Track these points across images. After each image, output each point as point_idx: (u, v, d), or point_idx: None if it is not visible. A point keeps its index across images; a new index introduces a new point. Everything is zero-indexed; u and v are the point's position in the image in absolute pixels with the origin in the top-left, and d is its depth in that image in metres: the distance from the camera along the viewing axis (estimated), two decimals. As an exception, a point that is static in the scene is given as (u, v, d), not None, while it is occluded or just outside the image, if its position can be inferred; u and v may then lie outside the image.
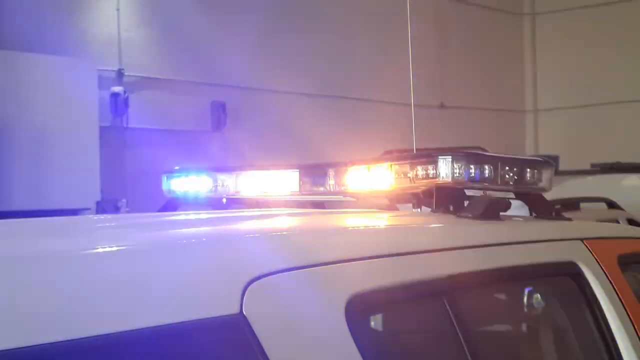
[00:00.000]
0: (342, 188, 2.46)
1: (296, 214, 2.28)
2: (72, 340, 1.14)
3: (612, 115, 14.41)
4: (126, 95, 9.58)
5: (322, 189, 2.50)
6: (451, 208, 2.27)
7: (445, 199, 2.27)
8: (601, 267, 2.25)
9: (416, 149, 3.04)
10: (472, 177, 2.24)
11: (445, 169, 2.23)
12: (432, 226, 2.17)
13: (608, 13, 14.57)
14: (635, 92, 14.12)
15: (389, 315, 1.88)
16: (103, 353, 1.18)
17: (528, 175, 2.39)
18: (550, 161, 2.52)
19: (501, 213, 2.28)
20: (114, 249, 1.41)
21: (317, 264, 1.53)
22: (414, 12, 3.67)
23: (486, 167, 2.27)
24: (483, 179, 2.27)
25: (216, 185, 2.80)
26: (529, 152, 14.58)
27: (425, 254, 1.80)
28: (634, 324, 2.22)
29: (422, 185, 2.29)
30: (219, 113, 10.54)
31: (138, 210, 8.13)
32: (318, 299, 1.49)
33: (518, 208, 2.53)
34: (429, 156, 2.28)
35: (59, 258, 1.33)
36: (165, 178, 3.00)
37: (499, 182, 2.31)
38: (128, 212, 8.25)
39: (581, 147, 13.95)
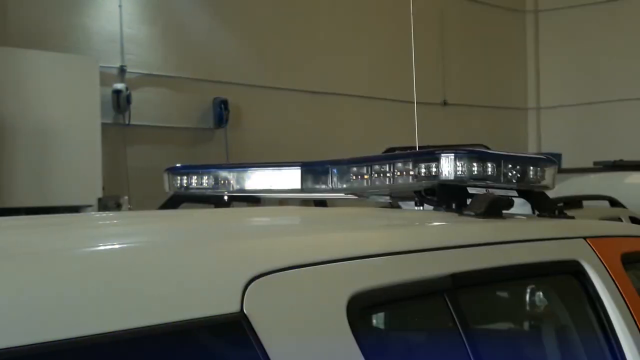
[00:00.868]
0: (344, 185, 2.45)
1: (297, 211, 2.27)
2: (70, 339, 1.14)
3: (615, 113, 14.39)
4: (128, 92, 9.58)
5: (324, 186, 2.49)
6: (454, 206, 2.26)
7: (448, 197, 2.27)
8: (604, 266, 2.24)
9: (419, 147, 3.03)
10: (475, 175, 2.24)
11: (448, 167, 2.22)
12: (435, 224, 2.16)
13: (611, 10, 14.55)
14: (638, 90, 14.10)
15: (390, 313, 1.87)
16: (102, 352, 1.17)
17: (531, 173, 2.38)
18: (553, 159, 2.51)
19: (504, 211, 2.27)
20: (113, 246, 1.40)
21: (318, 262, 1.52)
22: (417, 10, 3.66)
23: (489, 164, 2.27)
24: (486, 177, 2.26)
25: (218, 183, 2.79)
26: (531, 150, 14.56)
27: (427, 252, 1.79)
28: (637, 322, 2.21)
29: (424, 183, 2.28)
30: (221, 110, 10.53)
31: (139, 207, 8.13)
32: (319, 298, 1.48)
33: (521, 206, 2.52)
34: (431, 154, 2.27)
35: (57, 256, 1.32)
36: (167, 175, 2.99)
37: (502, 180, 2.30)
38: (130, 209, 8.24)
39: (584, 145, 13.95)
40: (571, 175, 8.58)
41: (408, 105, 3.37)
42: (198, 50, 10.46)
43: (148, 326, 1.21)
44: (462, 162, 2.22)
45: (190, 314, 1.27)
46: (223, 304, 1.31)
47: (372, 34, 12.57)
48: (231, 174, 2.76)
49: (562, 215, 2.61)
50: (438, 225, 2.14)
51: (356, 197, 2.59)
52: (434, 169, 2.25)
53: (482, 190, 2.37)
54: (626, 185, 8.61)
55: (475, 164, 2.24)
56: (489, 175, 2.27)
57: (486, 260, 1.95)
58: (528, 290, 2.21)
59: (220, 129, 10.62)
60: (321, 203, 4.49)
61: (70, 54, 8.70)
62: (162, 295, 1.27)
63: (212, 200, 2.88)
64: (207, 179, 2.82)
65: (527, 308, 2.25)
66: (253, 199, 2.82)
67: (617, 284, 2.23)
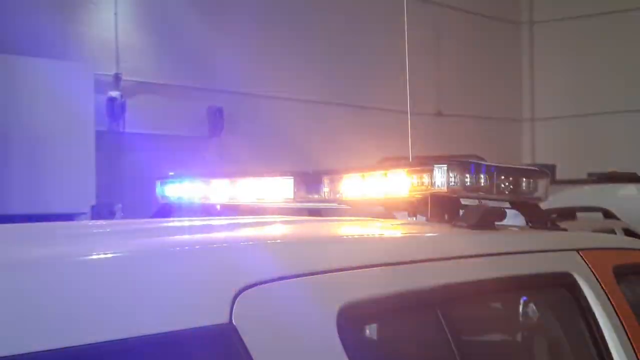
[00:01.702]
0: (337, 196, 2.44)
1: (289, 221, 2.26)
2: (59, 349, 1.13)
3: (609, 125, 14.41)
4: (123, 99, 9.56)
5: (316, 196, 2.48)
6: (446, 217, 2.25)
7: (441, 208, 2.26)
8: (596, 278, 2.23)
9: (412, 157, 3.03)
10: (468, 186, 2.23)
11: (441, 178, 2.22)
12: (427, 235, 2.15)
13: (606, 23, 14.59)
14: (632, 101, 14.13)
15: (381, 325, 1.86)
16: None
17: (524, 184, 2.38)
18: (546, 171, 2.51)
19: (496, 223, 2.26)
20: (103, 256, 1.39)
21: (308, 273, 1.51)
22: (412, 20, 3.66)
23: (482, 176, 2.26)
24: (478, 188, 2.26)
25: (210, 192, 2.78)
26: (525, 161, 14.57)
27: (418, 264, 1.79)
28: (629, 335, 2.20)
29: (417, 193, 2.27)
30: (216, 118, 10.52)
31: (133, 215, 8.10)
32: (309, 309, 1.47)
33: (514, 217, 2.51)
34: (424, 164, 2.27)
35: (47, 265, 1.31)
36: (159, 184, 2.98)
37: (495, 192, 2.30)
38: (123, 217, 8.22)
39: (578, 156, 13.96)
40: (565, 186, 8.59)
41: (402, 116, 3.36)
42: (193, 58, 10.45)
43: (137, 337, 1.20)
44: (455, 173, 2.22)
45: (178, 325, 1.26)
46: (212, 315, 1.31)
47: (367, 43, 12.58)
48: (223, 183, 2.75)
49: (554, 227, 2.61)
50: (430, 237, 2.13)
51: (349, 207, 2.58)
52: (426, 180, 2.24)
53: (474, 202, 2.37)
54: (620, 197, 8.63)
55: (467, 175, 2.23)
56: (482, 186, 2.26)
57: (478, 272, 1.94)
58: (520, 302, 2.20)
59: (215, 138, 10.61)
60: (315, 213, 4.48)
61: (65, 61, 8.69)
62: (150, 306, 1.26)
63: (204, 209, 2.87)
64: (198, 188, 2.81)
65: (519, 320, 2.25)
66: (246, 209, 2.81)
67: (609, 297, 2.23)
